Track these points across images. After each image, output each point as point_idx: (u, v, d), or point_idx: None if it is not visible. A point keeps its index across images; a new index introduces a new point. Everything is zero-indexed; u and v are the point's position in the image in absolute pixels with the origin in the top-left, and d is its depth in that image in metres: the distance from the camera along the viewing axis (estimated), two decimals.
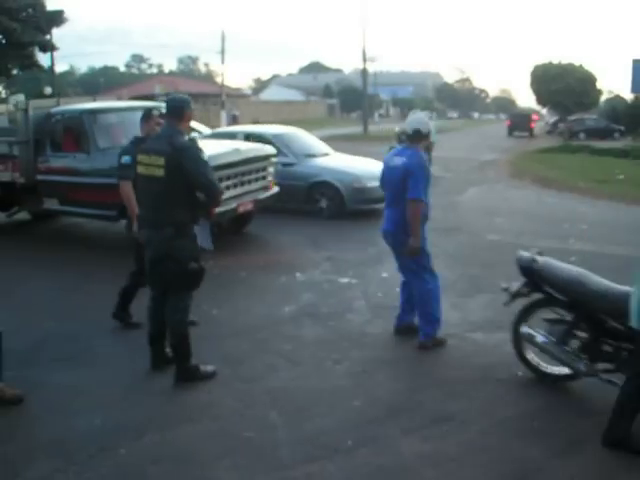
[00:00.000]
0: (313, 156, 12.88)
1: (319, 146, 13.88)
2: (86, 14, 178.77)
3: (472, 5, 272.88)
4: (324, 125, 52.72)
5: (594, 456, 4.00)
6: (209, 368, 5.08)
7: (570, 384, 4.99)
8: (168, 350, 5.13)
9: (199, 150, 4.81)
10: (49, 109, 9.73)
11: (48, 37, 35.56)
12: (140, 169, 4.82)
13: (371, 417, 4.44)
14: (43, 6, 34.36)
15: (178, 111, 4.83)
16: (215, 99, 50.18)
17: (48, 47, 36.01)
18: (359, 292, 7.42)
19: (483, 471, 3.83)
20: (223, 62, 45.37)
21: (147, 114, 6.16)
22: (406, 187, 5.56)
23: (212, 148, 9.56)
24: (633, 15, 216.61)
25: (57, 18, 35.13)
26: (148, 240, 4.87)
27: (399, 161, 5.70)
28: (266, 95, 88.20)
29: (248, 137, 12.52)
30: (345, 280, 7.90)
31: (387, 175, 5.88)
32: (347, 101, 75.96)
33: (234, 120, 20.58)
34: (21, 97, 27.03)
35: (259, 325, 6.32)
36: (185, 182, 4.68)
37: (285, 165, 11.98)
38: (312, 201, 12.09)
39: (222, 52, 43.62)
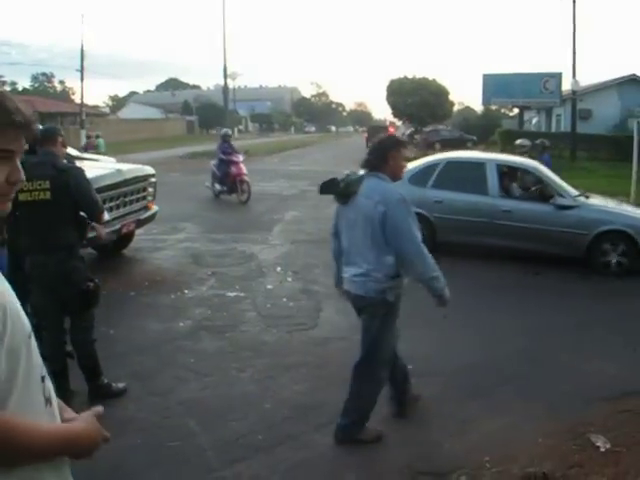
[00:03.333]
0: (580, 196, 10.40)
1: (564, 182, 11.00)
2: None
3: (328, 21, 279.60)
4: (184, 142, 52.28)
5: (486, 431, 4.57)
6: (120, 385, 5.22)
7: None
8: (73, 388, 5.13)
9: (82, 170, 5.07)
10: None
11: None
12: (22, 197, 4.75)
13: (283, 417, 4.79)
14: None
15: (52, 137, 5.01)
16: (73, 118, 48.69)
17: None
18: (249, 305, 7.74)
19: (394, 451, 4.30)
20: (82, 80, 43.83)
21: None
22: None
23: (95, 170, 9.57)
24: (482, 32, 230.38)
25: None
26: (37, 266, 4.85)
27: None
28: (124, 113, 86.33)
29: (501, 167, 10.66)
30: (233, 294, 8.18)
31: None
32: (206, 117, 75.57)
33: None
34: None
35: (159, 341, 6.49)
36: (71, 202, 4.84)
37: (560, 208, 9.91)
38: (596, 253, 9.64)
39: (81, 70, 42.26)
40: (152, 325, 7.04)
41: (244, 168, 17.12)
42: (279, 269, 9.50)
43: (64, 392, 5.01)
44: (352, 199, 4.29)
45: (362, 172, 4.42)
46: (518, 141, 14.06)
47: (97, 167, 9.44)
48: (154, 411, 4.92)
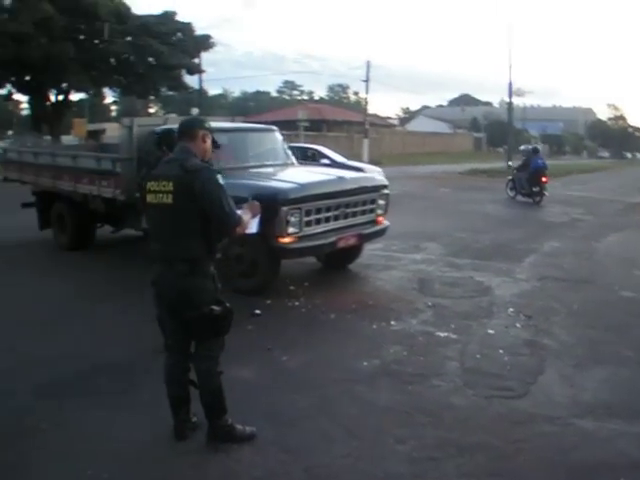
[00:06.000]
0: None
1: None
2: (244, 41, 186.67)
3: (630, 41, 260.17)
4: (469, 158, 51.49)
5: None
6: (248, 429, 4.37)
7: None
8: (196, 419, 4.47)
9: (214, 172, 4.14)
10: (154, 127, 9.47)
11: (197, 60, 36.91)
12: (149, 198, 4.17)
13: None
14: (192, 31, 35.78)
15: (189, 131, 4.26)
16: (360, 127, 50.32)
17: (195, 70, 37.40)
18: (456, 350, 6.43)
19: None
20: (367, 91, 46.23)
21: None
22: None
23: (312, 175, 8.94)
24: None
25: (205, 42, 36.43)
26: (157, 278, 4.21)
27: None
28: (413, 126, 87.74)
29: None
30: (443, 334, 6.92)
31: None
32: (494, 135, 73.91)
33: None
34: (173, 116, 28.17)
35: (329, 380, 5.52)
36: (196, 209, 4.03)
37: None
38: None
39: (367, 81, 43.85)
40: (334, 358, 6.12)
41: None
42: (511, 310, 7.98)
43: (181, 423, 4.34)
44: None
45: None
46: (522, 147, 23.60)
47: (315, 172, 8.76)
48: (270, 472, 3.98)
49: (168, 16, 35.42)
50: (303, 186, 8.03)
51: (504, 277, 9.84)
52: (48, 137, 31.76)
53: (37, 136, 17.90)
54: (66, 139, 36.03)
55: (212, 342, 4.19)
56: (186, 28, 35.42)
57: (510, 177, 22.55)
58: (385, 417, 4.85)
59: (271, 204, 7.74)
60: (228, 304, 4.18)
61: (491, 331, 7.12)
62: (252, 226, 4.37)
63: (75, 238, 11.22)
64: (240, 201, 4.45)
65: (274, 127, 10.61)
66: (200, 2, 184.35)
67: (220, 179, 4.06)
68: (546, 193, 20.82)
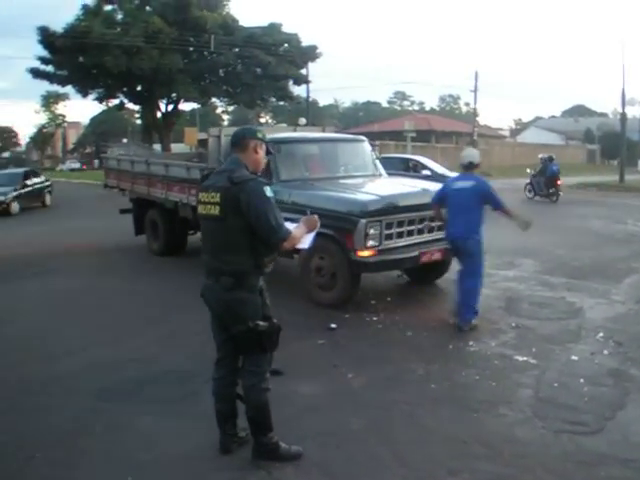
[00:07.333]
0: None
1: None
2: (355, 51, 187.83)
3: None
4: (580, 171, 49.44)
5: None
6: (293, 449, 4.29)
7: None
8: (244, 434, 4.41)
9: (261, 184, 4.04)
10: None
11: (304, 71, 37.30)
12: (200, 209, 4.17)
13: None
14: (298, 41, 36.17)
15: (239, 142, 4.19)
16: (469, 138, 49.76)
17: (301, 80, 37.81)
18: (532, 377, 6.07)
19: None
20: (475, 102, 46.26)
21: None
22: (482, 201, 7.45)
23: (396, 187, 8.74)
24: None
25: (311, 53, 36.76)
26: (206, 290, 4.19)
27: (467, 184, 7.49)
28: (524, 137, 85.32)
29: None
30: (522, 359, 6.56)
31: (452, 195, 7.53)
32: (608, 147, 70.66)
33: None
34: (283, 126, 28.77)
35: (390, 401, 5.35)
36: (243, 222, 3.96)
37: None
38: None
39: (475, 91, 43.38)
40: (398, 378, 5.93)
41: None
42: (601, 335, 7.48)
43: (226, 437, 4.35)
44: None
45: None
46: (540, 155, 26.75)
47: (401, 184, 8.57)
48: None
49: (274, 27, 36.14)
50: (383, 198, 7.87)
51: (599, 298, 9.29)
52: (158, 145, 32.93)
53: (140, 144, 18.51)
54: (176, 147, 37.30)
55: (259, 358, 4.13)
56: (292, 39, 35.97)
57: (528, 181, 26.11)
58: (441, 446, 4.61)
59: (349, 216, 7.64)
60: (275, 320, 4.10)
61: (575, 357, 6.70)
62: (306, 241, 4.25)
63: (166, 244, 11.53)
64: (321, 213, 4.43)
65: (363, 137, 10.51)
66: (312, 13, 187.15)
67: (268, 191, 3.99)
68: (561, 194, 24.80)
